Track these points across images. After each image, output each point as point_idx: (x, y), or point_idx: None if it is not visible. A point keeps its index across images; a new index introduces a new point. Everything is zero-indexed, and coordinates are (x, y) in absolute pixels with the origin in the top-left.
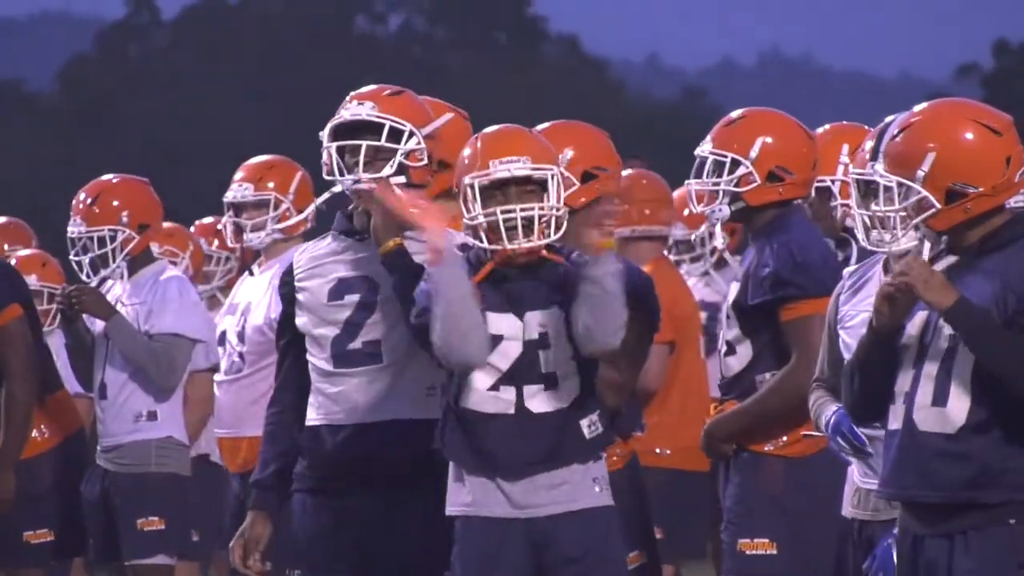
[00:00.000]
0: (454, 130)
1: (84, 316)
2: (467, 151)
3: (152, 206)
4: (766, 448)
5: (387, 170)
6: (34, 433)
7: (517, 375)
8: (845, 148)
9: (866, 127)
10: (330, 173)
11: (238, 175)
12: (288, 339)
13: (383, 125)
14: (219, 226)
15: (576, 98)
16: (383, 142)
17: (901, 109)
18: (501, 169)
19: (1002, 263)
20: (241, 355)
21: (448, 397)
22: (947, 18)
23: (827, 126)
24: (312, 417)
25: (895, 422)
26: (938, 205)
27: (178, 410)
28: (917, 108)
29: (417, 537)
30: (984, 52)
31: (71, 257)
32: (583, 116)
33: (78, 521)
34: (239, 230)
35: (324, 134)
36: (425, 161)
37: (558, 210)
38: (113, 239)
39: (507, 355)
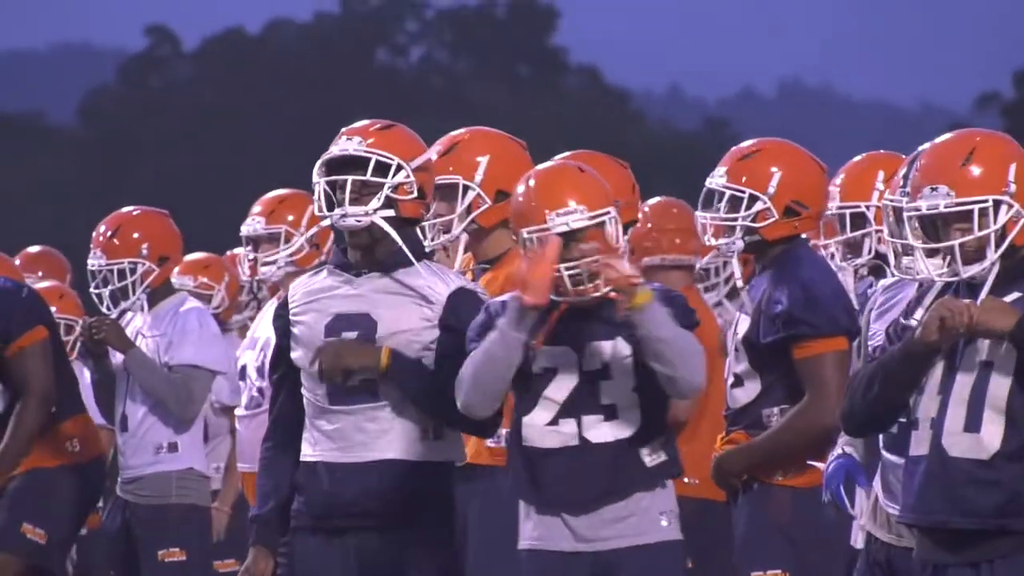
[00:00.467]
0: (513, 158)
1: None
2: (521, 190)
3: (172, 238)
4: (775, 479)
5: (374, 203)
6: (65, 445)
7: (575, 407)
8: (880, 175)
9: (901, 155)
10: (320, 208)
11: (254, 209)
12: (282, 372)
13: (369, 160)
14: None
15: (597, 129)
16: (368, 176)
17: (923, 139)
18: (559, 223)
19: None
20: (260, 390)
21: (512, 436)
22: (968, 47)
23: (863, 155)
24: (308, 453)
25: (919, 448)
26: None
27: (198, 441)
28: (963, 131)
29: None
30: (1005, 81)
31: (91, 290)
32: (604, 146)
33: (70, 542)
34: (255, 263)
35: (316, 169)
36: (415, 194)
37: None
38: (133, 271)
39: (562, 388)
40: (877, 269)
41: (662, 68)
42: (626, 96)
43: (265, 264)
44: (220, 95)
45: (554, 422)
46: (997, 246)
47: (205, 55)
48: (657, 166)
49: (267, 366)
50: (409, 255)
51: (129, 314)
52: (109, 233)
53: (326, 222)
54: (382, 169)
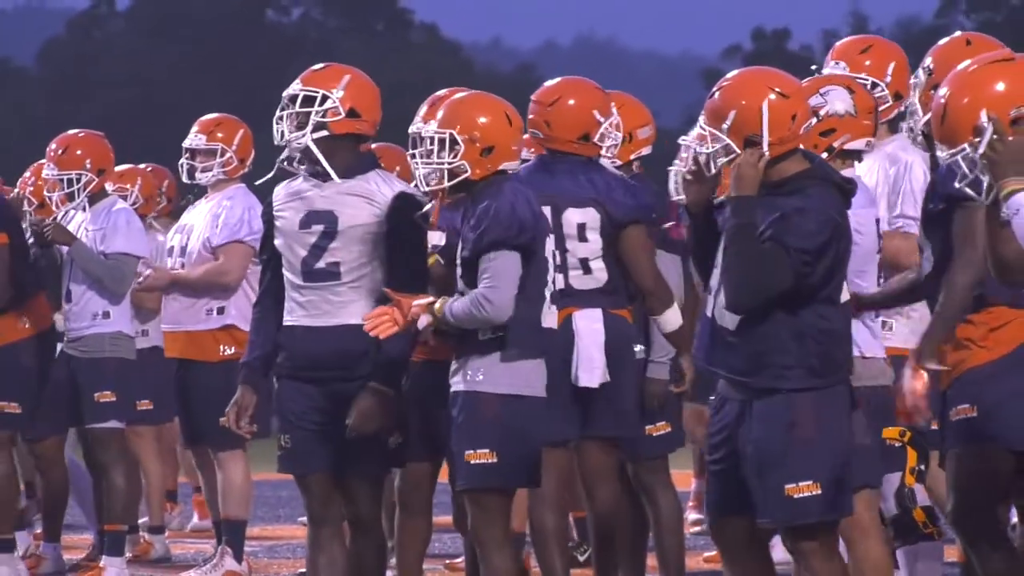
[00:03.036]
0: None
1: None
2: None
3: (108, 154)
4: None
5: (306, 130)
6: (20, 322)
7: None
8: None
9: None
10: (278, 137)
11: (194, 128)
12: (267, 256)
13: (297, 95)
14: (180, 164)
15: (436, 73)
16: (298, 108)
17: (684, 83)
18: None
19: (783, 203)
20: (183, 266)
21: None
22: (718, 7)
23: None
24: (287, 319)
25: (708, 311)
26: (739, 151)
27: (127, 310)
28: (728, 75)
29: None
30: (746, 36)
31: (45, 193)
32: (441, 87)
33: (38, 405)
34: (193, 170)
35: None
36: (343, 115)
37: None
38: (79, 181)
39: None
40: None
41: (486, 25)
42: (458, 47)
43: (204, 171)
44: (146, 44)
45: None
46: None
47: (134, 14)
48: None
49: (188, 247)
50: (328, 169)
51: (72, 213)
52: (60, 151)
53: (286, 151)
54: (309, 101)
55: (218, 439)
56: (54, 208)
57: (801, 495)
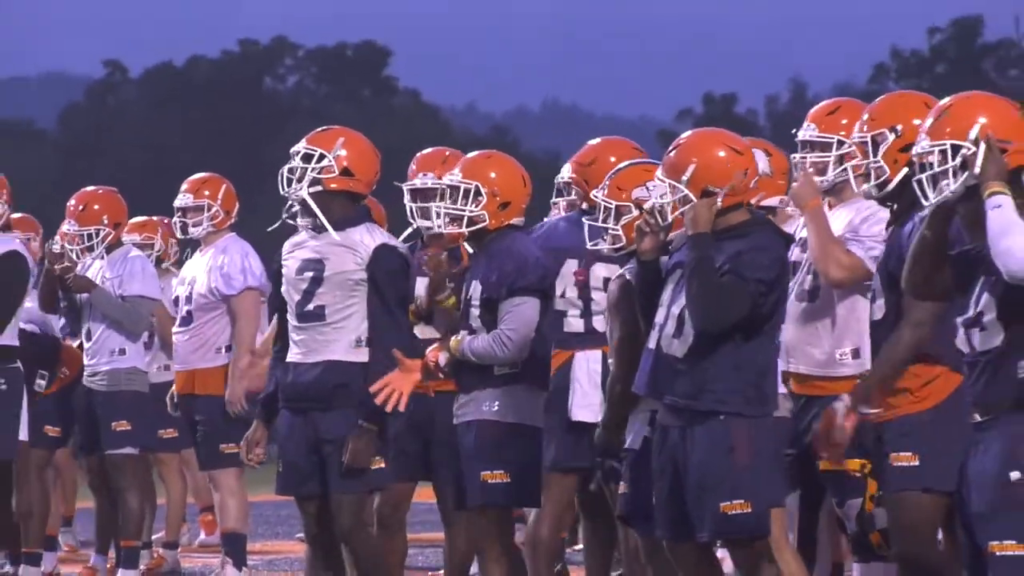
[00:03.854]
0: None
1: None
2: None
3: (123, 209)
4: None
5: (303, 185)
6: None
7: None
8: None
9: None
10: (281, 189)
11: (183, 187)
12: (278, 303)
13: (299, 152)
14: (173, 222)
15: (418, 135)
16: (298, 163)
17: (642, 144)
18: None
19: (734, 245)
20: (189, 312)
21: None
22: (671, 74)
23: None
24: (288, 357)
25: (651, 343)
26: (695, 200)
27: (141, 348)
28: (684, 134)
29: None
30: (697, 100)
31: (66, 246)
32: (423, 148)
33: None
34: (184, 226)
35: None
36: (335, 173)
37: None
38: (97, 235)
39: None
40: None
41: (463, 90)
42: (438, 111)
43: (195, 226)
44: (156, 110)
45: None
46: None
47: (146, 82)
48: None
49: (193, 295)
50: (323, 220)
51: (89, 261)
52: (80, 207)
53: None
54: (308, 158)
55: (217, 461)
56: (74, 259)
57: (734, 512)
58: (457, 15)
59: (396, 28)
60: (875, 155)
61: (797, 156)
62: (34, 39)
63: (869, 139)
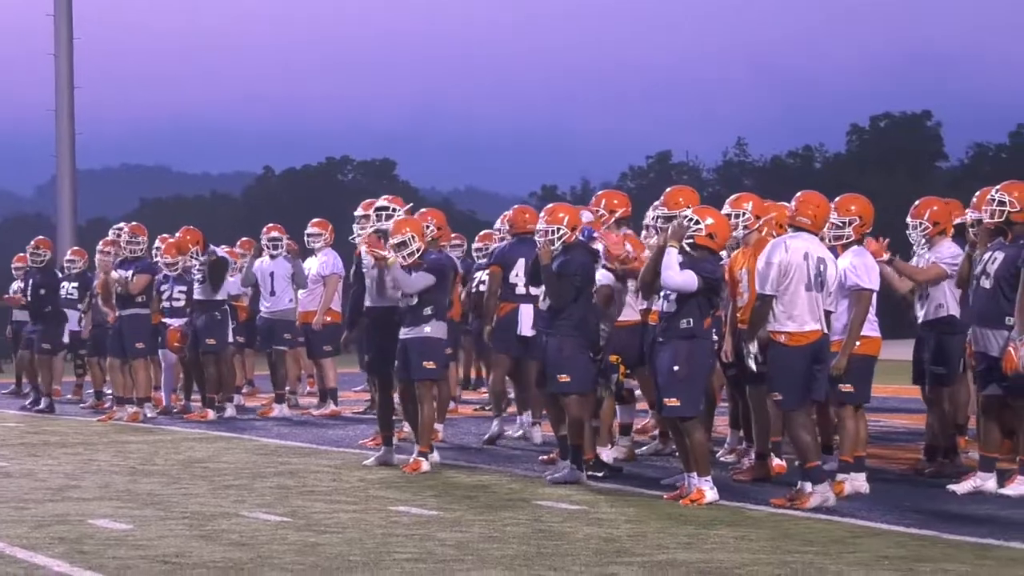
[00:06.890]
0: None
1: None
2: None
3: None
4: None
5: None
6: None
7: None
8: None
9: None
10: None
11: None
12: (357, 280)
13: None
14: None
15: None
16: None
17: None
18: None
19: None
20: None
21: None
22: (647, 124)
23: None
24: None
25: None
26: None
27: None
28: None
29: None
30: (641, 159)
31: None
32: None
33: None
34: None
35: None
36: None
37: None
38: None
39: None
40: None
41: (463, 181)
42: (447, 200)
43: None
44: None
45: None
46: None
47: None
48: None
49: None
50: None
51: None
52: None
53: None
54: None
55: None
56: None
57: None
58: None
59: None
60: None
61: None
62: None
63: None
